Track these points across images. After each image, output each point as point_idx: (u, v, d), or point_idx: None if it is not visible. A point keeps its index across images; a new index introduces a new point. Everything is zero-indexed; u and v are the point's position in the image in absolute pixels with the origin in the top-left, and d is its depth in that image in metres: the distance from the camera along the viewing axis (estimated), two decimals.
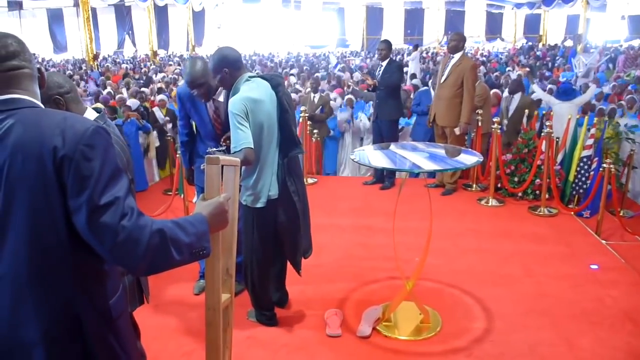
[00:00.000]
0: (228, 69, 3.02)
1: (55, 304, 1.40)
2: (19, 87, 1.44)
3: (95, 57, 13.09)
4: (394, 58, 6.94)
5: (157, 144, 7.14)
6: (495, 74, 13.70)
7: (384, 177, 6.40)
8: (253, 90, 2.98)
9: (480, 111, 6.36)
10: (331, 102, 8.01)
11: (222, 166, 1.79)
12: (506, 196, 5.95)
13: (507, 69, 16.14)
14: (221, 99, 3.49)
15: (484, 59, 20.15)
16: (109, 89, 10.83)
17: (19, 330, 1.38)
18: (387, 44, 6.26)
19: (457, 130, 5.86)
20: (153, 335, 3.28)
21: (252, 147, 2.87)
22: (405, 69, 11.67)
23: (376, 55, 11.59)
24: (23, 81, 1.46)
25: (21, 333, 1.38)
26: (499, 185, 5.98)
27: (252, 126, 2.92)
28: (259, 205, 3.10)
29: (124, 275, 1.94)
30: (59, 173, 1.34)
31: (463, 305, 3.70)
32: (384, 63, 6.19)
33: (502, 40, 29.80)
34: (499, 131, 5.84)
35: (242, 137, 2.85)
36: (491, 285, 3.95)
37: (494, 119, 5.96)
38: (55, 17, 26.95)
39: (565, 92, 6.82)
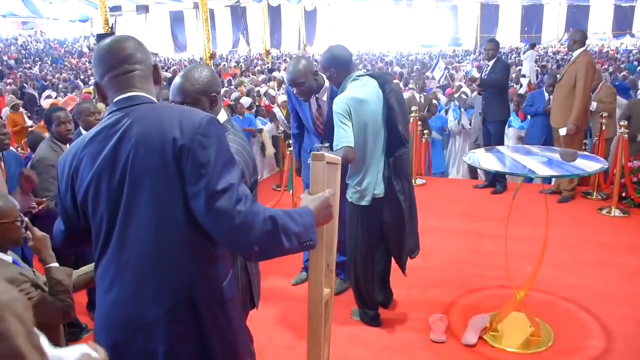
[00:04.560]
0: (335, 68, 3.12)
1: (175, 286, 1.49)
2: (135, 86, 1.56)
3: (212, 56, 13.80)
4: (501, 57, 6.70)
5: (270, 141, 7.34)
6: (622, 73, 12.63)
7: (495, 181, 6.19)
8: (358, 90, 3.03)
9: (604, 114, 5.94)
10: (434, 101, 7.88)
11: (326, 163, 1.83)
12: (631, 207, 5.49)
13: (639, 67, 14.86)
14: (325, 98, 3.56)
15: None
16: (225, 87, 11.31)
17: (143, 310, 1.48)
18: (495, 43, 6.14)
19: (562, 131, 5.52)
20: (258, 327, 3.39)
21: (352, 146, 2.93)
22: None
23: (483, 55, 11.25)
24: (137, 81, 1.57)
25: (144, 313, 1.48)
26: (623, 194, 5.55)
27: (356, 125, 2.97)
28: (364, 203, 3.13)
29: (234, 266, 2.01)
30: (178, 162, 1.43)
31: (578, 321, 3.47)
32: (491, 63, 6.03)
33: (632, 36, 27.41)
34: (625, 136, 5.42)
35: (343, 135, 2.93)
36: (612, 302, 3.67)
37: (621, 123, 5.54)
38: (176, 19, 28.64)
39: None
